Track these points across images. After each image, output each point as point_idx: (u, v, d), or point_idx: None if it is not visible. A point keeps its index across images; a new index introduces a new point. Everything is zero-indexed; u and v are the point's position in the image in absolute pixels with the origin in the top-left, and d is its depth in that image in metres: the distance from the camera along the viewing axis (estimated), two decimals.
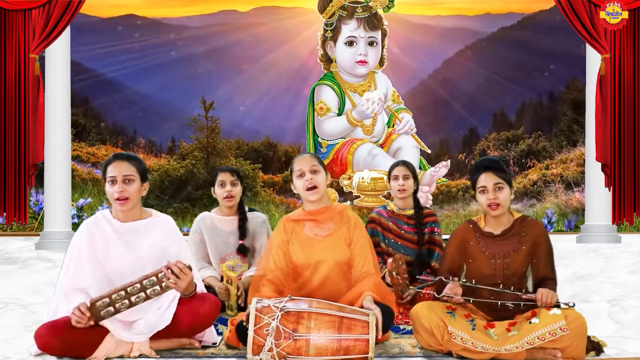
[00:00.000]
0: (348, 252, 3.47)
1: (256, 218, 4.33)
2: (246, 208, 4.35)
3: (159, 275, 3.13)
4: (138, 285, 3.11)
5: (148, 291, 3.12)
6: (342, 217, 3.53)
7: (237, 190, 4.26)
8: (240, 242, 4.23)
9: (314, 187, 3.43)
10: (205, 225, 4.28)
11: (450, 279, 3.26)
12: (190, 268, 3.19)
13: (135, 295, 3.11)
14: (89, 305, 3.08)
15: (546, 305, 3.13)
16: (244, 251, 4.22)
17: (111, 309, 3.10)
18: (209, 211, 4.40)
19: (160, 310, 3.21)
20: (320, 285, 3.42)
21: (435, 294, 3.26)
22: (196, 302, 3.27)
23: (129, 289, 3.10)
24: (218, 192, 4.26)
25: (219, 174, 4.27)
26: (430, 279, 4.23)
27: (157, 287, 3.13)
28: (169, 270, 3.12)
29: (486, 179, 3.28)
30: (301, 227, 3.52)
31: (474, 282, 3.23)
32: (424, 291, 4.04)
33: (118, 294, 3.09)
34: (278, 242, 3.50)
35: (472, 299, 3.21)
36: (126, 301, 3.10)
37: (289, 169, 3.55)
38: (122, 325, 3.18)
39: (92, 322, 3.09)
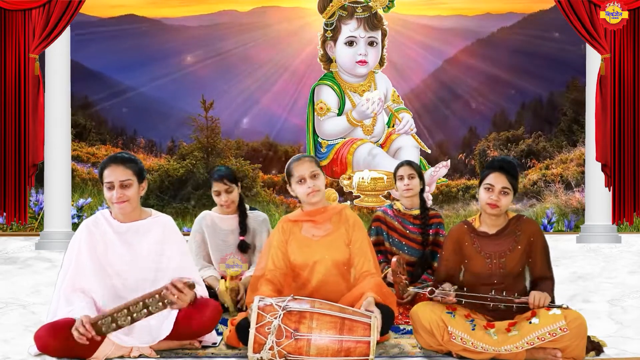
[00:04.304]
0: (347, 252, 3.46)
1: (256, 217, 4.33)
2: (247, 206, 4.35)
3: (162, 293, 3.11)
4: (141, 304, 3.09)
5: (150, 308, 3.11)
6: (340, 217, 3.53)
7: (233, 195, 4.24)
8: (241, 238, 4.23)
9: (316, 191, 3.43)
10: (206, 224, 4.28)
11: (441, 287, 3.26)
12: (193, 285, 3.16)
13: (138, 312, 3.09)
14: (91, 322, 3.04)
15: (538, 308, 3.13)
16: (244, 247, 4.22)
17: (113, 325, 3.08)
18: (210, 210, 4.40)
19: (161, 317, 3.19)
20: (319, 285, 3.41)
21: (428, 294, 3.26)
22: (198, 308, 3.25)
23: (131, 308, 3.07)
24: (215, 199, 4.27)
25: (213, 183, 4.24)
26: (431, 280, 4.23)
27: (160, 304, 3.12)
28: (173, 287, 3.10)
29: (496, 179, 3.27)
30: (299, 228, 3.52)
31: (465, 289, 3.24)
32: (423, 291, 4.05)
33: (121, 312, 3.07)
34: (277, 243, 3.49)
35: (464, 300, 3.21)
36: (129, 318, 3.08)
37: (286, 172, 3.51)
38: (122, 330, 3.16)
39: (95, 338, 3.06)
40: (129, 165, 3.27)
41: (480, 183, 3.34)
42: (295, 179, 3.43)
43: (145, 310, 3.09)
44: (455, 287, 3.24)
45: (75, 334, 3.01)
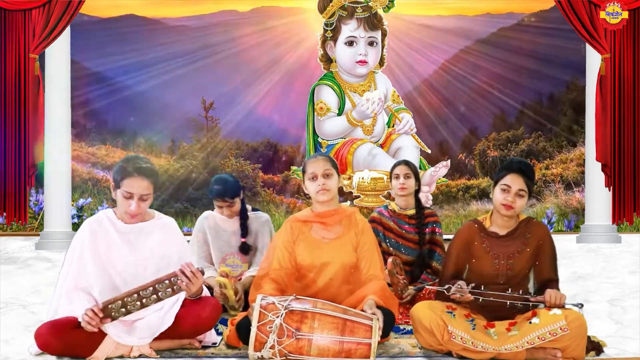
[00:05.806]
0: (354, 255, 3.47)
1: (259, 217, 4.32)
2: (249, 207, 4.34)
3: (172, 279, 3.12)
4: (151, 289, 3.10)
5: (160, 294, 3.12)
6: (350, 220, 3.53)
7: (235, 207, 4.23)
8: (243, 240, 4.23)
9: (326, 190, 3.44)
10: (209, 225, 4.27)
11: (457, 284, 3.24)
12: (202, 272, 3.18)
13: (148, 298, 3.10)
14: (101, 307, 3.06)
15: (555, 306, 3.12)
16: (246, 249, 4.22)
17: (123, 310, 3.09)
18: (212, 210, 4.37)
19: (162, 312, 3.21)
20: (324, 287, 3.42)
21: (445, 292, 3.24)
22: (198, 306, 3.27)
23: (141, 293, 3.09)
24: (217, 209, 4.27)
25: (214, 200, 4.21)
26: (430, 279, 4.23)
27: (169, 290, 3.13)
28: (182, 274, 3.11)
29: (513, 181, 3.27)
30: (308, 229, 3.52)
31: (473, 286, 3.22)
32: (423, 291, 4.05)
33: (131, 297, 3.08)
34: (284, 242, 3.49)
35: (481, 298, 3.20)
36: (138, 303, 3.10)
37: (302, 169, 3.54)
38: (123, 328, 3.17)
39: (101, 325, 3.07)
40: (152, 180, 3.23)
41: (495, 183, 3.33)
42: (308, 175, 3.47)
43: (154, 296, 3.10)
44: (473, 284, 3.22)
45: (84, 319, 3.02)
